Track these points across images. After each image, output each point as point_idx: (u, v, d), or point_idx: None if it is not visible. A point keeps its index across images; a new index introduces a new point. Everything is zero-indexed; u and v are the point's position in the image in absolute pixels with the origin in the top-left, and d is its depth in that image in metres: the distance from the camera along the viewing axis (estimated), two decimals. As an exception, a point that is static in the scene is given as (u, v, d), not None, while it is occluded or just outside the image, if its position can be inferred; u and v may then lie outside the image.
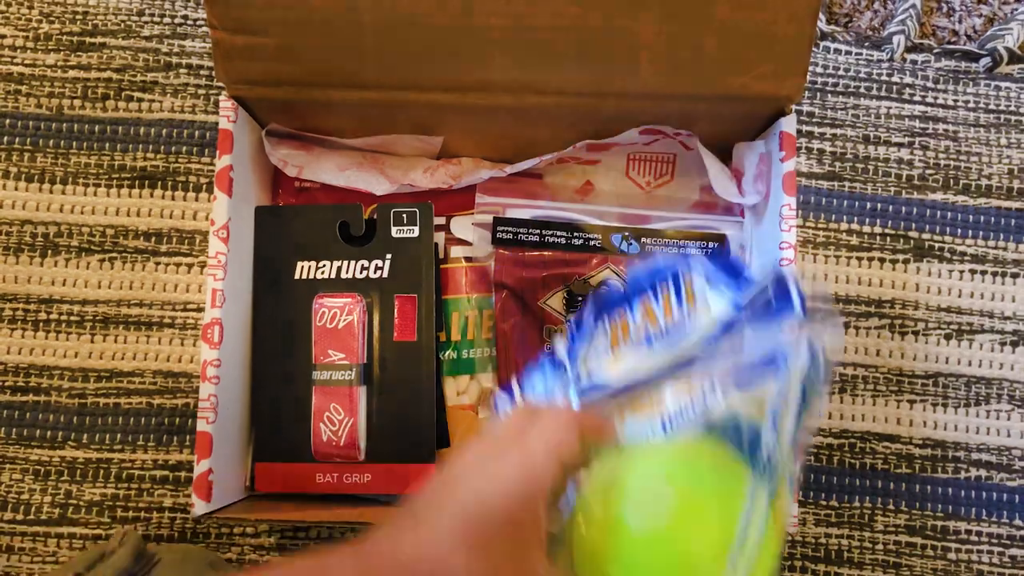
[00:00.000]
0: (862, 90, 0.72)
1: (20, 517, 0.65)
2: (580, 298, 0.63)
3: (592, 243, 0.63)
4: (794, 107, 0.55)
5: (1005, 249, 0.70)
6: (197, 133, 0.70)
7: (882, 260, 0.70)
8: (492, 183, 0.64)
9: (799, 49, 0.52)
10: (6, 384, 0.67)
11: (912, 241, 0.70)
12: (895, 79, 0.72)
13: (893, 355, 0.69)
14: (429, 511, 0.34)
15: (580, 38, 0.51)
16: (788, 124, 0.55)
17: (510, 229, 0.63)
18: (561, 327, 0.63)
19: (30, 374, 0.67)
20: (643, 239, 0.63)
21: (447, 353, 0.61)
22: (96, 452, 0.66)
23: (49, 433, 0.66)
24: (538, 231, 0.63)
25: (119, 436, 0.66)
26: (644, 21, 0.50)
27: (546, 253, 0.64)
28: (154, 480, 0.66)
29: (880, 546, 0.67)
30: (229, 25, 0.52)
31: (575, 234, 0.63)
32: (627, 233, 0.64)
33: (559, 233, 0.63)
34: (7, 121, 0.70)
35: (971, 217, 0.71)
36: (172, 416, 0.67)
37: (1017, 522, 0.67)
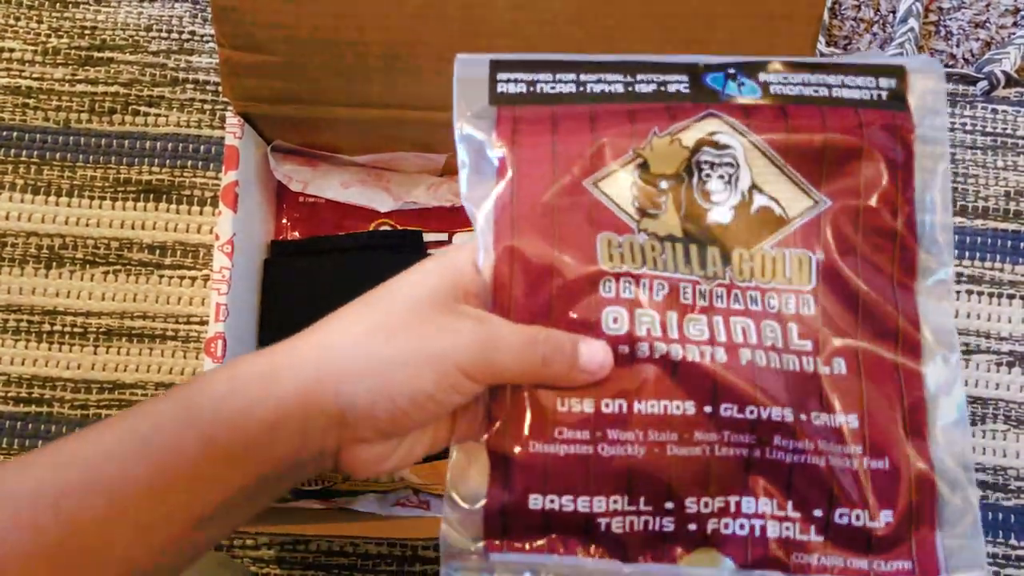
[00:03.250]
0: (861, 111, 0.73)
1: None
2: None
3: (673, 88, 0.35)
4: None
5: (1002, 270, 0.71)
6: (203, 147, 0.71)
7: (880, 280, 0.71)
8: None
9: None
10: (9, 395, 0.67)
11: (910, 261, 0.71)
12: (893, 101, 0.73)
13: (890, 374, 0.70)
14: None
15: (582, 59, 0.52)
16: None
17: (521, 77, 0.35)
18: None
19: (33, 385, 0.68)
20: (763, 75, 0.35)
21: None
22: (98, 463, 0.67)
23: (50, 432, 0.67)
24: (573, 76, 0.35)
25: (121, 448, 0.67)
26: (644, 43, 0.51)
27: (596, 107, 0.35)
28: (155, 492, 0.66)
29: (876, 565, 0.67)
30: (237, 43, 0.52)
31: (639, 77, 0.35)
32: (732, 69, 0.35)
33: (610, 78, 0.35)
34: (15, 134, 0.70)
35: (968, 238, 0.71)
36: (174, 428, 0.67)
37: (1013, 541, 0.68)
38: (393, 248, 0.61)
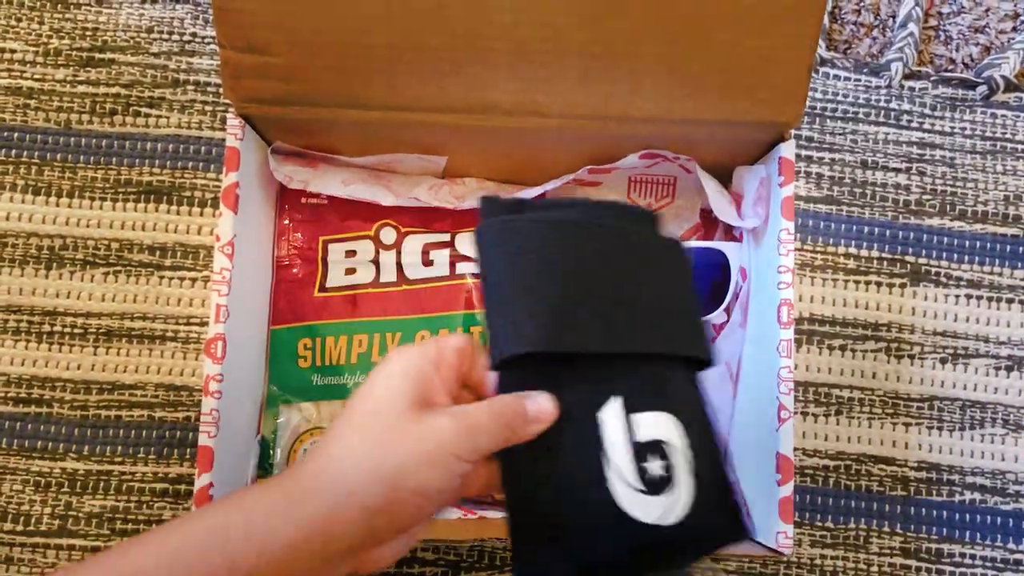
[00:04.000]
0: (860, 116, 0.73)
1: (20, 528, 0.66)
2: None
3: None
4: (793, 132, 0.56)
5: (1000, 275, 0.71)
6: (203, 149, 0.71)
7: (879, 284, 0.71)
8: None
9: (798, 76, 0.53)
10: (9, 395, 0.67)
11: (909, 265, 0.71)
12: (893, 105, 0.73)
13: (889, 378, 0.70)
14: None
15: (583, 63, 0.52)
16: (787, 150, 0.55)
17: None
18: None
19: (32, 386, 0.68)
20: None
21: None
22: (97, 464, 0.67)
23: (50, 445, 0.67)
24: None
25: (120, 448, 0.67)
26: (646, 47, 0.51)
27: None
28: (154, 493, 0.66)
29: (875, 568, 0.67)
30: (238, 44, 0.52)
31: None
32: None
33: None
34: (16, 135, 0.70)
35: (967, 242, 0.72)
36: (173, 429, 0.67)
37: (1011, 545, 0.68)
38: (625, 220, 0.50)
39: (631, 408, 0.41)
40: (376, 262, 0.65)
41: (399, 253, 0.65)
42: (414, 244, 0.66)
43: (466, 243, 0.66)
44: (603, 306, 0.42)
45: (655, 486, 0.39)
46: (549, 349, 0.39)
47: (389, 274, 0.65)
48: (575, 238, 0.43)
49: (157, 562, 0.33)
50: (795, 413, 0.69)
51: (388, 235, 0.65)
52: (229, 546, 0.33)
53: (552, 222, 0.43)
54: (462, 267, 0.65)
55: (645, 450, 0.40)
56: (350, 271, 0.65)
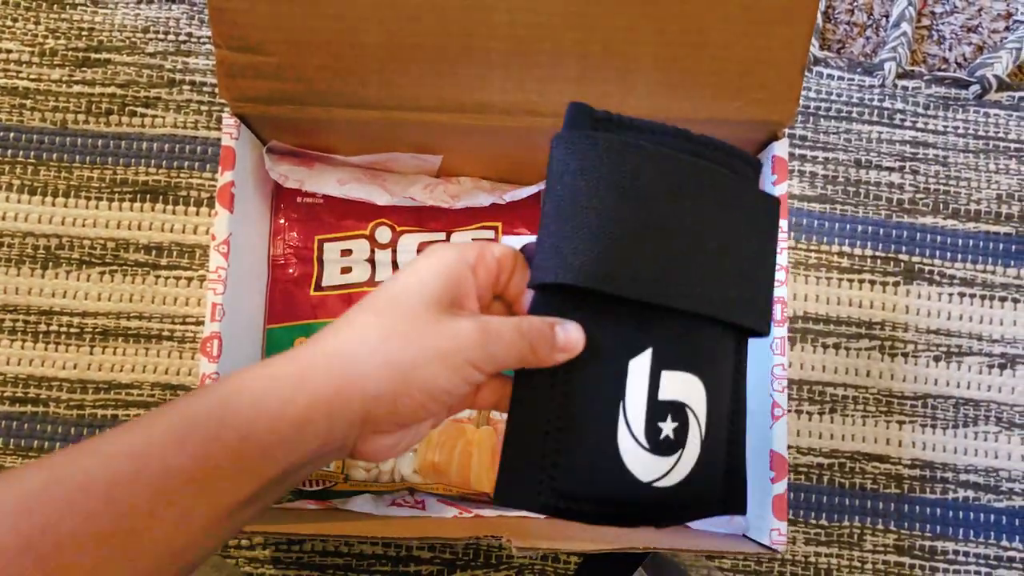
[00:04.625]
0: (854, 115, 0.73)
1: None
2: None
3: None
4: (787, 130, 0.56)
5: (994, 273, 0.72)
6: (199, 148, 0.71)
7: (873, 282, 0.71)
8: (492, 210, 0.65)
9: (791, 75, 0.53)
10: (5, 395, 0.67)
11: (902, 264, 0.71)
12: (886, 105, 0.73)
13: (883, 376, 0.70)
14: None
15: (578, 63, 0.52)
16: (780, 148, 0.56)
17: None
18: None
19: (29, 385, 0.68)
20: None
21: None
22: (93, 463, 0.67)
23: (47, 444, 0.67)
24: None
25: (116, 447, 0.67)
26: (641, 46, 0.52)
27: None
28: (150, 492, 0.66)
29: (869, 565, 0.67)
30: (233, 44, 0.53)
31: None
32: None
33: None
34: (12, 134, 0.70)
35: (960, 241, 0.72)
36: (169, 428, 0.67)
37: (1004, 543, 0.68)
38: (724, 163, 0.43)
39: (661, 363, 0.39)
40: (372, 261, 0.66)
41: (395, 252, 0.66)
42: (410, 243, 0.66)
43: (461, 241, 0.65)
44: (665, 253, 0.39)
45: (662, 447, 0.38)
46: (593, 287, 0.37)
47: (385, 272, 0.65)
48: (659, 171, 0.39)
49: (165, 436, 0.32)
50: (789, 411, 0.69)
51: (384, 234, 0.66)
52: (240, 418, 0.33)
53: (638, 148, 0.39)
54: None
55: (663, 409, 0.39)
56: (346, 270, 0.65)
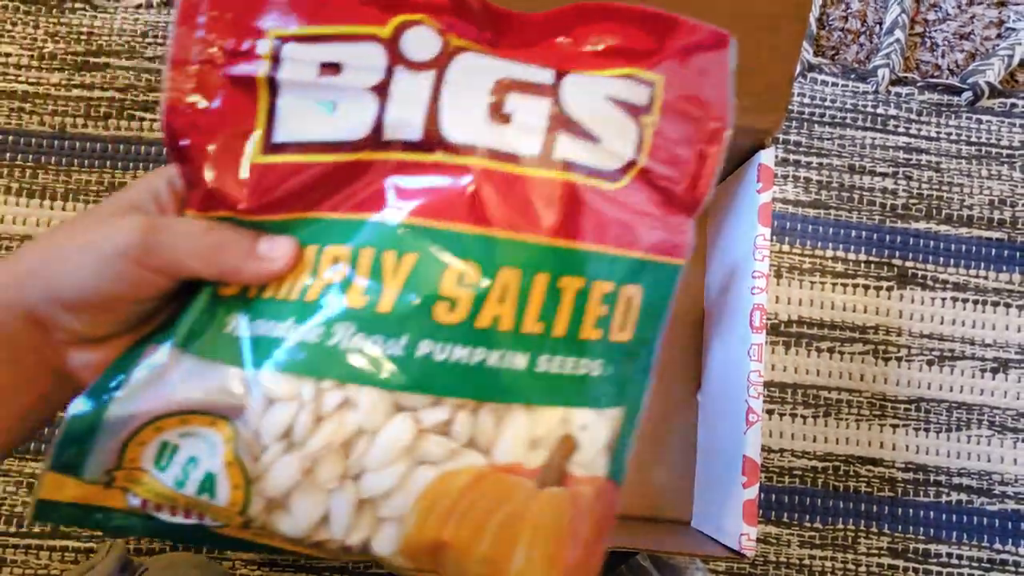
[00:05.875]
0: (848, 121, 0.74)
1: (12, 530, 0.66)
2: None
3: None
4: (781, 136, 0.57)
5: (986, 278, 0.72)
6: (197, 153, 0.71)
7: (866, 287, 0.72)
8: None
9: (780, 84, 0.53)
10: (2, 397, 0.68)
11: (896, 269, 0.72)
12: (880, 111, 0.74)
13: (876, 380, 0.70)
14: None
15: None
16: (767, 157, 0.56)
17: None
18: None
19: (26, 387, 0.68)
20: None
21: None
22: (90, 465, 0.67)
23: (44, 447, 0.67)
24: None
25: (113, 450, 0.67)
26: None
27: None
28: (147, 494, 0.67)
29: (863, 568, 0.68)
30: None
31: None
32: None
33: None
34: (10, 138, 0.71)
35: (953, 246, 0.72)
36: (166, 431, 0.67)
37: (997, 546, 0.68)
38: None
39: None
40: (382, 89, 0.34)
41: (440, 79, 0.35)
42: (476, 75, 0.35)
43: (581, 92, 0.36)
44: None
45: None
46: None
47: (407, 119, 0.34)
48: None
49: None
50: (783, 415, 0.69)
51: (419, 40, 0.34)
52: None
53: None
54: (566, 145, 0.35)
55: None
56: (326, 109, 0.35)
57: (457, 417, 0.33)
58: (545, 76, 0.35)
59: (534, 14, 0.36)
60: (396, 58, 0.34)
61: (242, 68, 0.34)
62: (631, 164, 0.35)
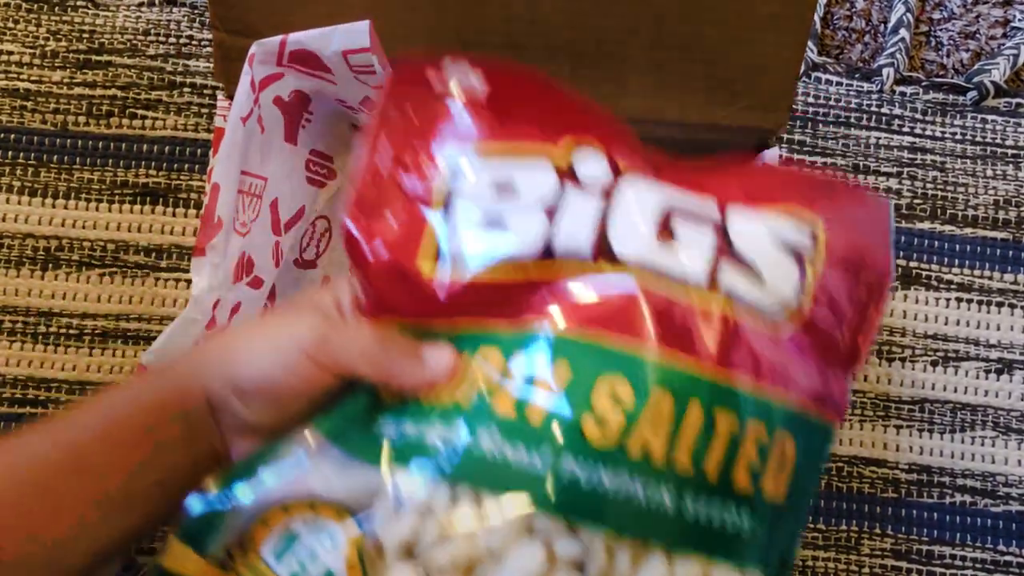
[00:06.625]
0: (852, 120, 0.73)
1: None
2: None
3: None
4: (785, 136, 0.56)
5: (991, 278, 0.72)
6: (199, 151, 0.71)
7: (870, 287, 0.71)
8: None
9: (785, 83, 0.53)
10: (4, 396, 0.68)
11: (900, 269, 0.71)
12: (885, 110, 0.74)
13: (880, 381, 0.70)
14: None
15: (570, 62, 0.52)
16: (771, 156, 0.56)
17: None
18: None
19: (28, 387, 0.68)
20: None
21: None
22: (91, 464, 0.67)
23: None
24: None
25: (114, 448, 0.67)
26: (634, 48, 0.52)
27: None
28: (148, 493, 0.66)
29: (866, 569, 0.67)
30: (231, 27, 0.53)
31: None
32: None
33: None
34: (12, 136, 0.71)
35: (958, 246, 0.72)
36: (167, 429, 0.67)
37: (1001, 547, 0.68)
38: None
39: None
40: (553, 209, 0.35)
41: (608, 201, 0.36)
42: (643, 196, 0.36)
43: (746, 225, 0.36)
44: None
45: None
46: None
47: (578, 243, 0.35)
48: None
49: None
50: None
51: (590, 161, 0.36)
52: (112, 407, 0.33)
53: None
54: (730, 276, 0.35)
55: None
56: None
57: (592, 553, 0.31)
58: (710, 205, 0.36)
59: (693, 161, 0.38)
60: (567, 177, 0.35)
61: (419, 185, 0.35)
62: (793, 307, 0.35)
